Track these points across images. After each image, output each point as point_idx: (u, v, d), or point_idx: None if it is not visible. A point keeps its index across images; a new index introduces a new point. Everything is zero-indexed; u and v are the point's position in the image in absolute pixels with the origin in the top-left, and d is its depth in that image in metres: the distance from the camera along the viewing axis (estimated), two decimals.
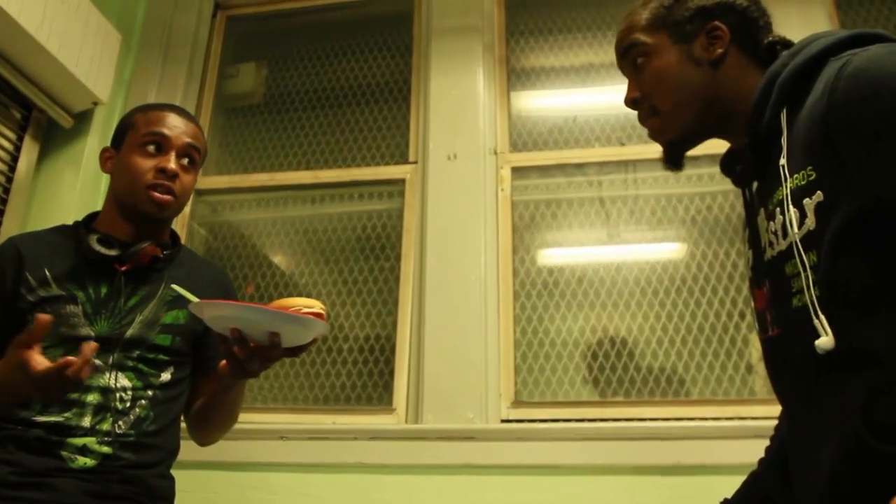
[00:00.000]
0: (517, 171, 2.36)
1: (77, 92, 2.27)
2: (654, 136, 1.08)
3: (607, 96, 2.49)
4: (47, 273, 1.30)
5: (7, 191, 2.19)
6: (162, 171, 1.33)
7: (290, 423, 2.10)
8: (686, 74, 1.02)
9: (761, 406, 1.93)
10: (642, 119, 1.09)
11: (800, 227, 0.84)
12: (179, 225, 2.43)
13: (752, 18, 1.02)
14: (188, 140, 1.38)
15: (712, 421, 1.91)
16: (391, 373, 2.18)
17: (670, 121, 1.04)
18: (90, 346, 1.04)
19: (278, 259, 2.48)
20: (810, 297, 0.82)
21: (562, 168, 2.36)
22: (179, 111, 1.43)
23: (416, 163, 2.42)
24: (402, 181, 2.42)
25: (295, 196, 2.55)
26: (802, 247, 0.83)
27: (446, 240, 2.23)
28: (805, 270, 0.83)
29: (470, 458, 1.93)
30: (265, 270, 2.44)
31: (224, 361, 1.16)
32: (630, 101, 1.09)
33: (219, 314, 1.08)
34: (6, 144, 2.18)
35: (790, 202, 0.85)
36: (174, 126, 1.38)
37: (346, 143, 2.58)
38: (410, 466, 1.95)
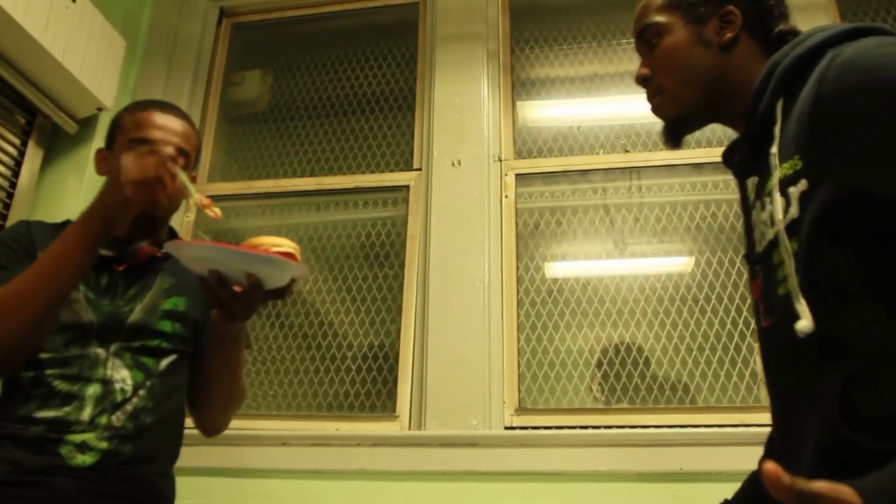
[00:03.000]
0: (521, 178, 2.36)
1: (81, 97, 2.27)
2: (657, 112, 1.09)
3: (612, 105, 2.49)
4: None
5: (11, 196, 2.18)
6: None
7: (292, 429, 2.09)
8: (694, 55, 1.03)
9: (766, 413, 1.89)
10: (649, 96, 1.10)
11: (784, 216, 0.84)
12: (184, 232, 2.43)
13: (767, 7, 1.03)
14: (176, 141, 1.35)
15: (717, 428, 1.90)
16: (394, 379, 2.17)
17: (673, 99, 1.06)
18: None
19: None
20: (792, 283, 0.82)
21: (566, 175, 2.36)
22: (167, 108, 1.39)
23: (420, 169, 2.42)
24: (406, 188, 2.42)
25: (299, 203, 2.55)
26: (787, 235, 0.83)
27: (450, 247, 2.22)
28: (788, 258, 0.83)
29: (473, 464, 1.92)
30: None
31: (214, 311, 1.24)
32: (640, 79, 1.10)
33: (193, 254, 1.15)
34: (10, 150, 2.18)
35: (777, 191, 0.86)
36: (162, 126, 1.35)
37: (350, 151, 2.58)
38: (413, 473, 1.94)
